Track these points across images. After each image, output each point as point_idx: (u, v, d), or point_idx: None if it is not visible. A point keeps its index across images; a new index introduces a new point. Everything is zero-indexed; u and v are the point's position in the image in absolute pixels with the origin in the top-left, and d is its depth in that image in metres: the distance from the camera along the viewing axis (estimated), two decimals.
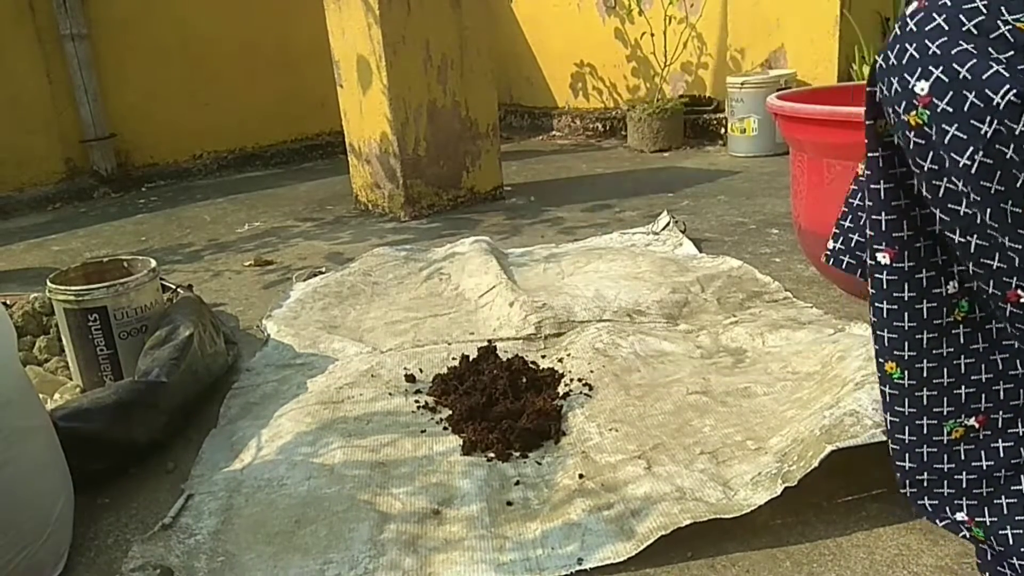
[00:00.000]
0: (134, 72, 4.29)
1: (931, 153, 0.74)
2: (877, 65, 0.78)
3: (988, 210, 0.71)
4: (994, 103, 0.67)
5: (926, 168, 0.75)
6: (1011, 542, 0.85)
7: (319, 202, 3.68)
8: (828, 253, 1.12)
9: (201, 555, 1.19)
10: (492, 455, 1.39)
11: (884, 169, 0.81)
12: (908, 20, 0.74)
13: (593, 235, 2.74)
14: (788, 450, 1.24)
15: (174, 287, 2.03)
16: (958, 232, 0.75)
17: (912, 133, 0.75)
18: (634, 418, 1.45)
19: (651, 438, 1.37)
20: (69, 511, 1.23)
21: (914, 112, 0.74)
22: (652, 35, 4.32)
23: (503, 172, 3.49)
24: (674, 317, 1.93)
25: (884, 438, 1.14)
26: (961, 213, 0.74)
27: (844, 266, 1.10)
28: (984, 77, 0.68)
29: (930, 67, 0.72)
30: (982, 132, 0.69)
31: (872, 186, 0.82)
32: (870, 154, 0.82)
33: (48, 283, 1.66)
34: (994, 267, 0.74)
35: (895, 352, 0.85)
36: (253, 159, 4.74)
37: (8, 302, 1.96)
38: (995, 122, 0.68)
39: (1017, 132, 0.67)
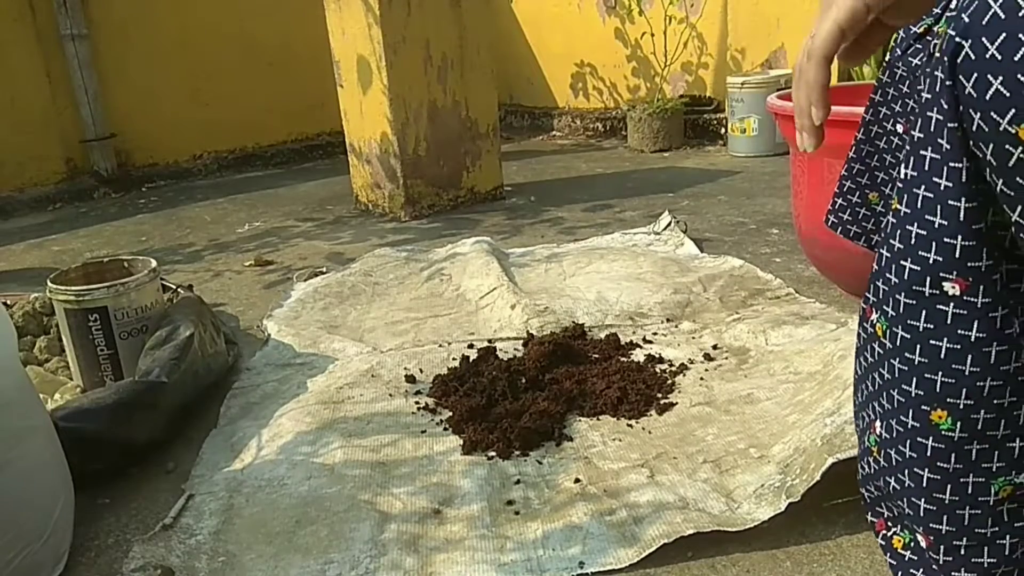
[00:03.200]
0: (134, 72, 4.29)
1: (972, 110, 0.60)
2: (962, 55, 0.61)
3: None
4: None
5: (974, 126, 0.61)
6: None
7: (319, 202, 3.68)
8: (833, 221, 1.00)
9: (202, 555, 1.19)
10: (493, 454, 1.39)
11: (966, 184, 0.66)
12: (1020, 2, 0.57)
13: (594, 235, 2.74)
14: (790, 460, 1.24)
15: (174, 287, 2.03)
16: (1019, 209, 0.61)
17: (1019, 149, 0.60)
18: (637, 429, 1.45)
19: (654, 447, 1.37)
20: (69, 511, 1.23)
21: (940, 66, 0.60)
22: (652, 35, 4.32)
23: (503, 172, 3.49)
24: (676, 318, 1.93)
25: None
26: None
27: (850, 235, 0.99)
28: None
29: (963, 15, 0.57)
30: None
31: (950, 202, 0.68)
32: (952, 163, 0.67)
33: (48, 283, 1.66)
34: None
35: (948, 400, 0.72)
36: (253, 159, 4.74)
37: (8, 302, 1.96)
38: None
39: None
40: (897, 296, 0.75)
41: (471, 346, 1.86)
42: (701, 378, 1.62)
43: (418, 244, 2.78)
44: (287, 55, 4.71)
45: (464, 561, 1.13)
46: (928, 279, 0.70)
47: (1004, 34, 0.57)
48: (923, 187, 0.69)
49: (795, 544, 1.13)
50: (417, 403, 1.60)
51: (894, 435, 0.79)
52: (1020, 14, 0.56)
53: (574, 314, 1.96)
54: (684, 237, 2.56)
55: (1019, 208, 0.63)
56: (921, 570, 0.80)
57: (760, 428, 1.39)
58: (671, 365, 1.68)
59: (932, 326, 0.71)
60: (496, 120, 3.39)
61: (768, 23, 4.02)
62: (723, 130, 4.20)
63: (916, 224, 0.70)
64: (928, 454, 0.75)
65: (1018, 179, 0.62)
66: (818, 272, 2.11)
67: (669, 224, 2.68)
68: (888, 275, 0.74)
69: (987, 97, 0.60)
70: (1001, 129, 0.60)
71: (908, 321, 0.74)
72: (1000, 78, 0.59)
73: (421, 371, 1.73)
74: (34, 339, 1.86)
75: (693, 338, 1.81)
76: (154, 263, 1.77)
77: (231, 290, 2.49)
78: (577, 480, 1.29)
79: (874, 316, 0.80)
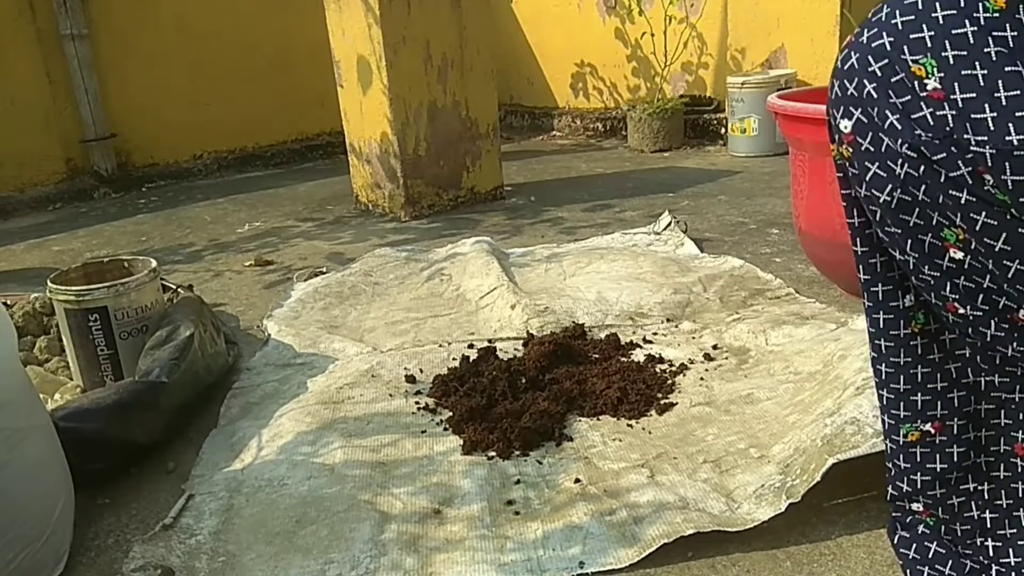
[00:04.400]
0: (134, 72, 4.29)
1: (861, 183, 0.77)
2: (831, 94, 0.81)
3: (909, 241, 0.75)
4: (898, 150, 0.71)
5: (862, 194, 0.79)
6: (958, 534, 0.90)
7: (319, 202, 3.68)
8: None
9: (202, 555, 1.19)
10: (493, 454, 1.39)
11: (842, 187, 0.84)
12: (841, 58, 0.77)
13: (594, 235, 2.74)
14: (791, 461, 1.24)
15: (174, 287, 2.03)
16: (898, 251, 0.79)
17: (845, 163, 0.79)
18: (638, 429, 1.45)
19: (654, 447, 1.37)
20: (69, 511, 1.23)
21: (843, 146, 0.77)
22: (652, 35, 4.32)
23: (503, 172, 3.49)
24: (677, 318, 1.93)
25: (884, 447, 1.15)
26: (891, 232, 0.77)
27: None
28: (886, 125, 0.71)
29: (851, 108, 0.74)
30: (897, 173, 0.72)
31: (843, 193, 0.85)
32: (838, 173, 0.85)
33: (48, 283, 1.66)
34: (931, 281, 0.77)
35: (872, 349, 0.89)
36: (253, 159, 4.74)
37: (8, 302, 1.96)
38: (905, 164, 0.71)
39: (919, 177, 0.70)
40: None
41: (471, 346, 1.86)
42: (701, 378, 1.62)
43: (418, 244, 2.78)
44: (287, 55, 4.71)
45: (464, 561, 1.13)
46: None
47: (834, 82, 0.78)
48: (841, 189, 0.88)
49: (795, 544, 1.13)
50: (417, 403, 1.60)
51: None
52: (836, 67, 0.77)
53: (574, 314, 1.96)
54: (684, 237, 2.55)
55: (856, 208, 0.83)
56: (935, 542, 0.92)
57: (760, 428, 1.39)
58: (671, 365, 1.68)
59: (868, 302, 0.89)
60: (496, 120, 3.39)
61: (768, 23, 4.02)
62: (723, 130, 4.20)
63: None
64: (879, 379, 0.92)
65: (855, 185, 0.81)
66: (818, 272, 2.11)
67: (669, 224, 2.68)
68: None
69: (830, 127, 0.80)
70: (836, 151, 0.79)
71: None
72: (831, 112, 0.79)
73: (421, 372, 1.73)
74: (34, 339, 1.86)
75: (693, 338, 1.81)
76: (154, 263, 1.77)
77: (231, 290, 2.49)
78: (577, 480, 1.29)
79: None
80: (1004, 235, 0.69)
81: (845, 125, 0.76)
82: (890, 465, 0.91)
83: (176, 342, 1.60)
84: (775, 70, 3.98)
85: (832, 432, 1.21)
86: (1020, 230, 0.68)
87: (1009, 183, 0.66)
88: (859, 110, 0.74)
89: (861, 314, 1.76)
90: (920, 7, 0.70)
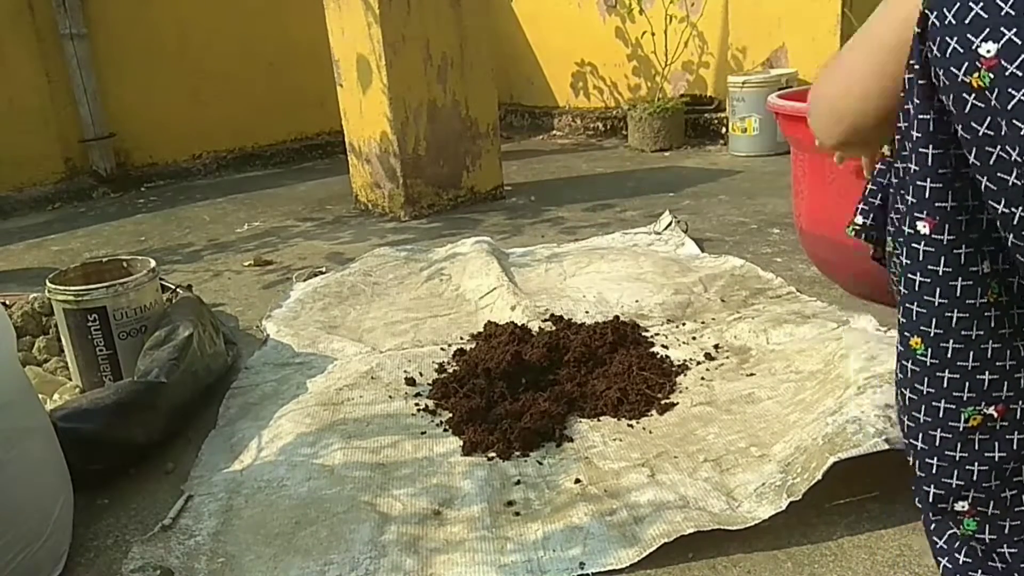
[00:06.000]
0: (133, 71, 4.28)
1: (989, 119, 0.71)
2: (929, 23, 0.74)
3: None
4: None
5: (981, 133, 0.72)
6: (1007, 532, 0.85)
7: (319, 202, 3.67)
8: (856, 227, 1.07)
9: (201, 556, 1.19)
10: (493, 454, 1.38)
11: (935, 133, 0.77)
12: None
13: (594, 235, 2.73)
14: (791, 459, 1.24)
15: (174, 287, 2.02)
16: (1004, 203, 0.72)
17: (972, 96, 0.71)
18: (638, 429, 1.45)
19: (655, 447, 1.37)
20: (69, 511, 1.22)
21: (976, 74, 0.70)
22: (653, 34, 4.31)
23: (503, 171, 3.49)
24: (677, 319, 1.92)
25: (886, 447, 1.14)
26: (1010, 184, 0.71)
27: (875, 240, 1.07)
28: None
29: (1001, 28, 0.68)
30: None
31: (921, 150, 0.78)
32: (921, 116, 0.78)
33: (47, 283, 1.65)
34: None
35: (922, 328, 0.81)
36: (253, 159, 4.74)
37: (8, 302, 1.95)
38: None
39: None
40: (895, 240, 0.86)
41: (461, 352, 1.86)
42: (702, 378, 1.61)
43: (418, 244, 2.78)
44: (287, 55, 4.71)
45: (464, 562, 1.12)
46: (908, 219, 0.81)
47: (958, 3, 0.71)
48: (906, 140, 0.80)
49: (796, 544, 1.12)
50: (417, 404, 1.60)
51: (898, 357, 0.88)
52: None
53: (575, 315, 1.96)
54: (685, 237, 2.55)
55: (974, 150, 0.73)
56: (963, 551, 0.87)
57: (761, 427, 1.39)
58: (672, 365, 1.67)
59: (909, 261, 0.81)
60: (496, 119, 3.38)
61: (769, 22, 4.02)
62: (724, 129, 4.19)
63: (902, 171, 0.81)
64: (908, 375, 0.85)
65: (972, 123, 0.72)
66: (819, 272, 2.10)
67: (670, 224, 2.67)
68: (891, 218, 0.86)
69: (947, 54, 0.72)
70: (958, 80, 0.71)
71: (896, 258, 0.84)
72: (955, 38, 0.71)
73: (421, 374, 1.73)
74: (33, 339, 1.86)
75: (694, 338, 1.80)
76: (153, 263, 1.77)
77: (230, 290, 2.49)
78: (578, 480, 1.29)
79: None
80: None
81: (988, 49, 0.70)
82: (933, 462, 0.86)
83: (175, 342, 1.60)
84: (776, 69, 3.97)
85: (833, 431, 1.21)
86: None
87: None
88: (1012, 30, 0.68)
89: (862, 313, 1.76)
90: None
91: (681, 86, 4.54)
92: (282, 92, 4.73)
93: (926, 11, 0.73)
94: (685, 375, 1.63)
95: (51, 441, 1.23)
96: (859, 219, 1.07)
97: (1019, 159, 0.70)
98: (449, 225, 3.05)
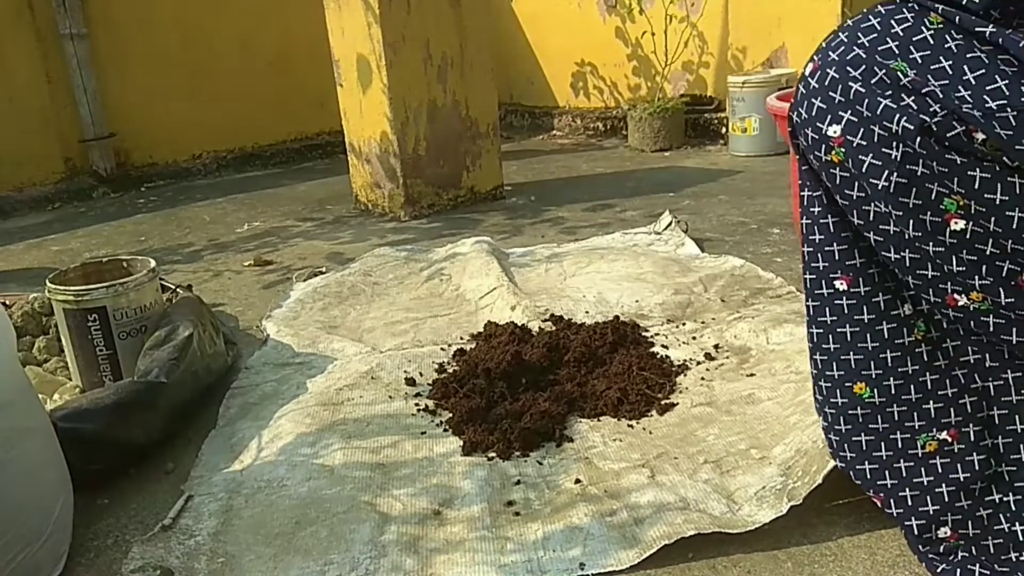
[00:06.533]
0: (133, 71, 4.28)
1: (855, 183, 0.83)
2: (792, 122, 0.88)
3: (910, 222, 0.80)
4: (894, 130, 0.78)
5: (854, 196, 0.84)
6: (991, 551, 0.89)
7: (319, 202, 3.67)
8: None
9: (201, 556, 1.19)
10: (493, 454, 1.38)
11: (829, 205, 0.89)
12: (809, 79, 0.86)
13: (594, 235, 2.73)
14: (792, 462, 1.24)
15: (174, 287, 2.02)
16: (892, 250, 0.83)
17: (836, 169, 0.84)
18: (638, 429, 1.45)
19: (655, 447, 1.37)
20: (69, 511, 1.22)
21: (833, 152, 0.83)
22: (653, 34, 4.32)
23: (503, 171, 3.49)
24: (677, 319, 1.92)
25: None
26: (891, 232, 0.82)
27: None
28: (879, 112, 0.79)
29: (839, 112, 0.82)
30: (892, 156, 0.79)
31: (821, 221, 0.90)
32: (812, 194, 0.90)
33: (47, 283, 1.65)
34: (928, 276, 0.81)
35: (863, 372, 0.90)
36: (253, 159, 4.73)
37: (8, 302, 1.95)
38: (900, 145, 0.78)
39: (917, 151, 0.77)
40: (807, 303, 0.97)
41: (461, 352, 1.86)
42: (702, 378, 1.61)
43: (418, 244, 2.78)
44: (287, 54, 4.71)
45: (464, 562, 1.12)
46: (824, 281, 0.92)
47: (805, 103, 0.86)
48: (805, 217, 0.93)
49: (796, 545, 1.12)
50: (417, 404, 1.59)
51: (831, 418, 0.97)
52: (811, 87, 0.86)
53: (575, 315, 1.95)
54: (685, 237, 2.55)
55: (854, 212, 0.85)
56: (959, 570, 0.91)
57: (761, 429, 1.39)
58: (672, 365, 1.67)
59: (835, 317, 0.91)
60: (496, 119, 3.38)
61: (769, 22, 4.02)
62: (724, 129, 4.19)
63: (806, 244, 0.94)
64: (859, 421, 0.93)
65: (845, 190, 0.85)
66: None
67: (670, 224, 2.67)
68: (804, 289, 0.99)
69: (809, 142, 0.86)
70: (823, 160, 0.85)
71: (818, 319, 0.94)
72: (810, 128, 0.85)
73: (421, 374, 1.73)
74: (33, 339, 1.86)
75: (694, 338, 1.80)
76: (153, 263, 1.77)
77: (230, 290, 2.49)
78: (578, 481, 1.29)
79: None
80: (999, 186, 0.76)
81: (834, 130, 0.83)
82: (906, 494, 0.91)
83: (175, 342, 1.60)
84: (776, 69, 3.97)
85: None
86: (1010, 179, 0.76)
87: (1003, 135, 0.74)
88: (848, 111, 0.81)
89: None
90: (879, 26, 0.82)
91: (681, 86, 4.54)
92: (282, 92, 4.73)
93: (789, 114, 0.89)
94: (685, 375, 1.63)
95: (51, 441, 1.23)
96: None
97: (887, 209, 0.81)
98: (449, 225, 3.04)
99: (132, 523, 1.30)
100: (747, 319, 1.83)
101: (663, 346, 1.77)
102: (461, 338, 1.91)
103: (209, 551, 1.20)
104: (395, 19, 2.96)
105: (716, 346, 1.75)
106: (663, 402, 1.52)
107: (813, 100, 0.85)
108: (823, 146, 0.84)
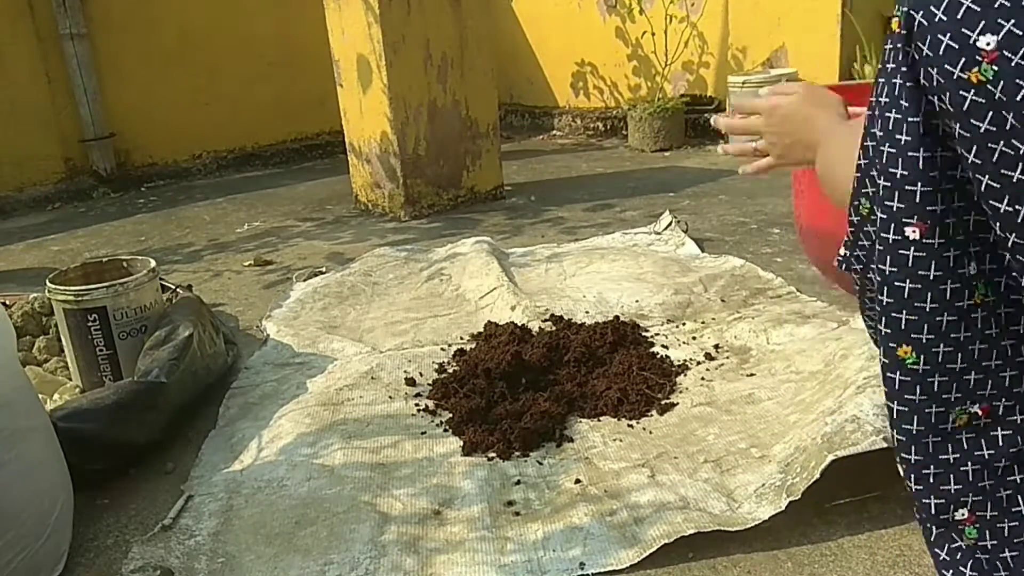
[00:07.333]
0: (133, 71, 4.28)
1: (992, 114, 0.69)
2: (916, 23, 0.73)
3: None
4: None
5: (983, 130, 0.70)
6: (1006, 534, 0.85)
7: (319, 202, 3.67)
8: (840, 259, 1.10)
9: (201, 556, 1.19)
10: (493, 455, 1.38)
11: (924, 136, 0.76)
12: None
13: (595, 235, 2.73)
14: (791, 459, 1.24)
15: (174, 287, 2.02)
16: (1006, 201, 0.71)
17: (971, 92, 0.70)
18: (638, 429, 1.45)
19: (655, 447, 1.37)
20: (69, 511, 1.22)
21: (977, 69, 0.69)
22: (653, 34, 4.31)
23: (503, 171, 3.49)
24: (678, 319, 1.92)
25: (884, 445, 1.14)
26: (1015, 180, 0.70)
27: (859, 270, 1.08)
28: None
29: (997, 20, 0.67)
30: None
31: (910, 154, 0.77)
32: (911, 119, 0.77)
33: (47, 283, 1.65)
34: None
35: (912, 335, 0.81)
36: (253, 159, 4.73)
37: (8, 302, 1.95)
38: None
39: None
40: (877, 247, 0.85)
41: (461, 352, 1.86)
42: (702, 378, 1.61)
43: (418, 244, 2.78)
44: (287, 54, 4.71)
45: (464, 562, 1.12)
46: (892, 226, 0.80)
47: (946, 1, 0.70)
48: (887, 144, 0.79)
49: (796, 545, 1.12)
50: (417, 405, 1.59)
51: (884, 369, 0.87)
52: None
53: (575, 315, 1.95)
54: (685, 237, 2.55)
55: (973, 148, 0.72)
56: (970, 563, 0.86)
57: (761, 428, 1.39)
58: (672, 365, 1.67)
59: (896, 268, 0.81)
60: (496, 119, 3.38)
61: (769, 22, 4.02)
62: None
63: (883, 177, 0.80)
64: (896, 387, 0.84)
65: (973, 120, 0.71)
66: (819, 272, 2.10)
67: (670, 224, 2.67)
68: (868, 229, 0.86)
69: (940, 52, 0.71)
70: (955, 77, 0.70)
71: (879, 266, 0.83)
72: (948, 34, 0.70)
73: (421, 375, 1.73)
74: (33, 339, 1.86)
75: (694, 338, 1.80)
76: (153, 263, 1.77)
77: (230, 290, 2.49)
78: (578, 481, 1.29)
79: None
80: None
81: (987, 41, 0.68)
82: (929, 471, 0.86)
83: (175, 342, 1.60)
84: (776, 69, 3.97)
85: (832, 430, 1.21)
86: None
87: None
88: (1011, 20, 0.67)
89: None
90: None
91: (681, 86, 4.54)
92: (282, 92, 4.73)
93: (910, 12, 0.72)
94: (685, 375, 1.63)
95: (51, 441, 1.23)
96: (843, 251, 1.08)
97: (989, 175, 0.69)
98: (449, 225, 3.04)
99: (132, 523, 1.30)
100: (747, 319, 1.83)
101: (663, 346, 1.77)
102: (461, 338, 1.91)
103: (209, 551, 1.20)
104: (395, 19, 2.96)
105: (716, 346, 1.75)
106: (663, 402, 1.52)
107: (966, 1, 0.68)
108: (964, 59, 0.68)
